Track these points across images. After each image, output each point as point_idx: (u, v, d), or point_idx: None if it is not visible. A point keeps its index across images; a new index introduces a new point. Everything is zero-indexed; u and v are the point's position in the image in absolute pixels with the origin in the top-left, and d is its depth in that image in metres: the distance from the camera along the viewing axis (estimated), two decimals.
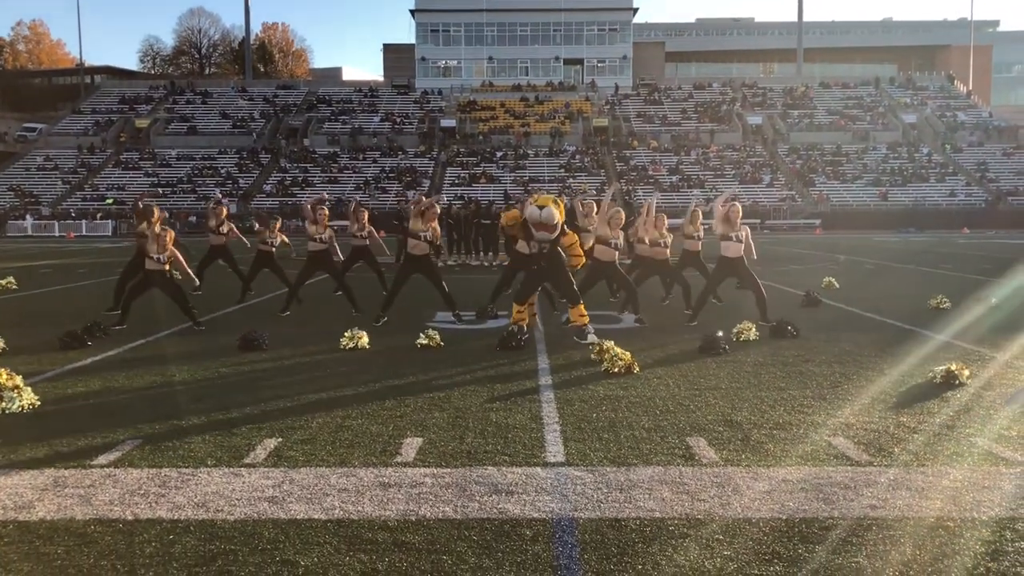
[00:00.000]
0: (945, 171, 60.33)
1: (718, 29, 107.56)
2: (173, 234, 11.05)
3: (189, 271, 11.46)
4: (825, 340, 9.81)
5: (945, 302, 12.63)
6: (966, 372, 7.43)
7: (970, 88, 77.69)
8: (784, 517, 4.31)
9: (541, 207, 9.26)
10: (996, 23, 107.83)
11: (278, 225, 13.90)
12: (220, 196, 15.18)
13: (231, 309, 13.08)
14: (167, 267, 10.87)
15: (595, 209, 11.92)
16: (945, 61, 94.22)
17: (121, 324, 10.88)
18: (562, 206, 9.69)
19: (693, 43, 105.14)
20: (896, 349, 9.13)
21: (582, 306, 9.68)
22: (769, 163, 62.29)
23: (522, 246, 10.86)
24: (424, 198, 11.69)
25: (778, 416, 6.33)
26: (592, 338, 9.37)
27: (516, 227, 10.05)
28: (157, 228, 10.88)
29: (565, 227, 9.73)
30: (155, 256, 10.73)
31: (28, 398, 6.67)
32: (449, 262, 23.09)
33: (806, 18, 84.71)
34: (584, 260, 10.37)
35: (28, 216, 54.53)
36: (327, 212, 12.75)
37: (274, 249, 13.75)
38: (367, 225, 13.68)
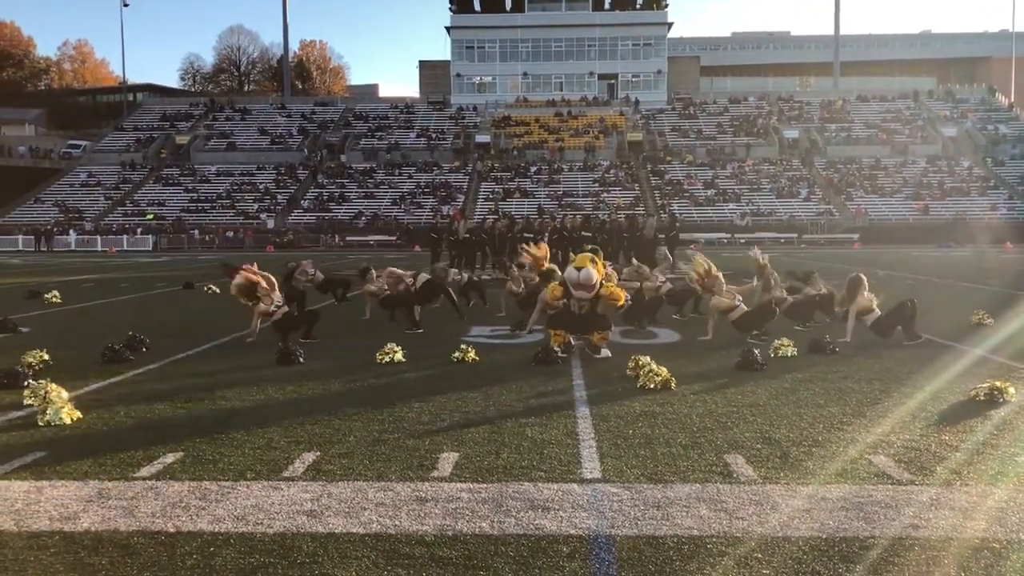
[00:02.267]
0: (987, 184, 59.43)
1: (753, 43, 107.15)
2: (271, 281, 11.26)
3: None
4: (864, 356, 9.70)
5: (988, 318, 12.42)
6: (1010, 390, 7.29)
7: (1012, 100, 76.54)
8: (824, 536, 4.26)
9: (579, 268, 9.59)
10: None
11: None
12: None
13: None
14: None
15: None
16: (986, 73, 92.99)
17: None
18: (600, 263, 9.89)
19: (728, 57, 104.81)
20: (937, 366, 8.99)
21: (608, 332, 10.03)
22: (806, 177, 61.77)
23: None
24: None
25: (817, 433, 6.26)
26: (605, 352, 9.74)
27: (561, 299, 10.10)
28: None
29: (603, 281, 9.94)
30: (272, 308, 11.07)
31: (72, 411, 6.79)
32: (484, 276, 23.13)
33: (843, 31, 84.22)
34: (623, 301, 10.34)
35: (72, 231, 55.64)
36: None
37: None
38: None
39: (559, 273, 10.88)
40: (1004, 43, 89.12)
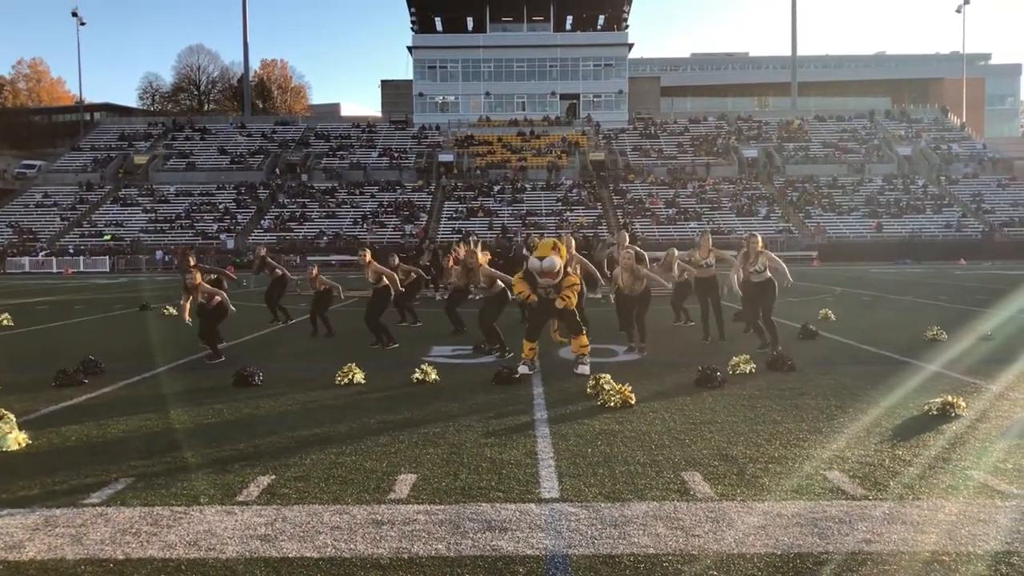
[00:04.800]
0: (941, 202, 60.65)
1: (713, 64, 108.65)
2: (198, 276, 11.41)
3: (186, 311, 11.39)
4: (821, 373, 9.81)
5: (941, 334, 12.64)
6: (962, 404, 7.42)
7: (964, 120, 78.34)
8: (779, 552, 4.28)
9: (541, 258, 9.75)
10: (988, 56, 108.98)
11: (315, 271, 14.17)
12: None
13: (228, 344, 13.04)
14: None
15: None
16: (938, 94, 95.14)
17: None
18: (563, 248, 9.97)
19: (688, 78, 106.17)
20: (892, 381, 9.12)
21: (584, 336, 10.00)
22: (765, 195, 62.59)
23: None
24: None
25: (773, 450, 6.31)
26: (584, 369, 9.66)
27: (525, 289, 10.14)
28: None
29: (567, 269, 10.02)
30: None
31: (19, 437, 6.64)
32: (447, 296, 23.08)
33: (800, 52, 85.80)
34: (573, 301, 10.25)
35: (40, 252, 54.65)
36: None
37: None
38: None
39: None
40: (955, 64, 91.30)
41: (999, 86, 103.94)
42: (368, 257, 12.73)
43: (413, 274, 15.69)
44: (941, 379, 9.31)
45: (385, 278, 12.78)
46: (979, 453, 6.16)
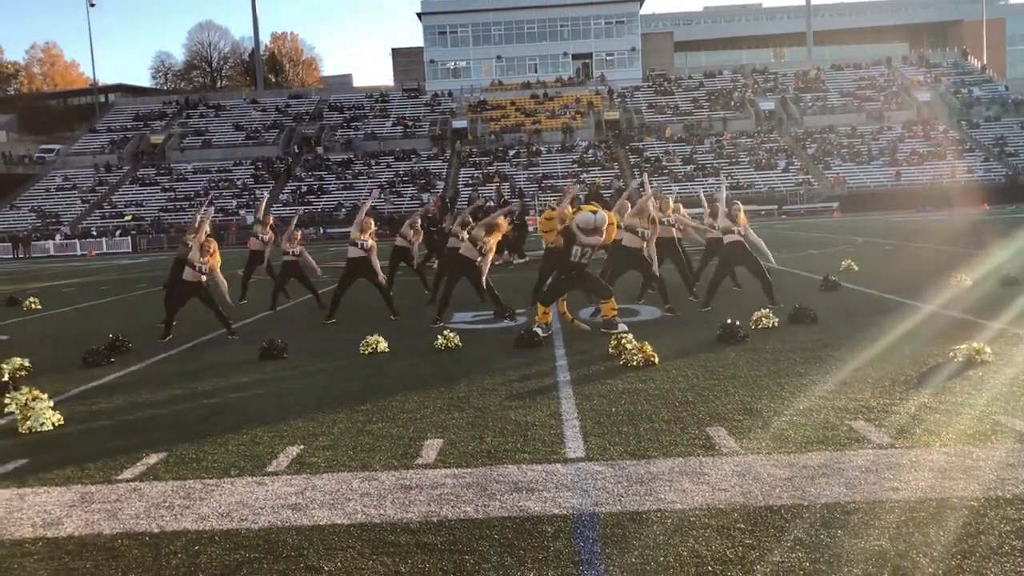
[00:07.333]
0: (963, 148, 59.73)
1: (726, 16, 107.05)
2: (215, 245, 11.26)
3: (222, 280, 11.32)
4: (844, 324, 9.76)
5: (965, 280, 12.53)
6: (987, 350, 7.37)
7: (984, 62, 76.87)
8: (806, 503, 4.29)
9: (595, 211, 9.43)
10: None
11: (299, 235, 13.95)
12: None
13: (250, 319, 13.16)
14: (204, 278, 11.12)
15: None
16: (957, 36, 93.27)
17: (167, 336, 11.32)
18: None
19: (701, 31, 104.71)
20: (916, 329, 9.07)
21: (613, 300, 9.99)
22: (784, 148, 61.91)
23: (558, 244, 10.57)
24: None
25: (798, 402, 6.30)
26: (623, 327, 9.64)
27: (553, 230, 9.93)
28: (203, 236, 11.08)
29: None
30: (196, 266, 11.01)
31: (53, 416, 6.75)
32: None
33: (814, 0, 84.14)
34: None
35: (58, 235, 55.13)
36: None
37: (298, 258, 13.77)
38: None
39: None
40: (975, 6, 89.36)
41: (1020, 25, 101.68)
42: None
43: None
44: (966, 326, 9.24)
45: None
46: (1006, 398, 6.13)
